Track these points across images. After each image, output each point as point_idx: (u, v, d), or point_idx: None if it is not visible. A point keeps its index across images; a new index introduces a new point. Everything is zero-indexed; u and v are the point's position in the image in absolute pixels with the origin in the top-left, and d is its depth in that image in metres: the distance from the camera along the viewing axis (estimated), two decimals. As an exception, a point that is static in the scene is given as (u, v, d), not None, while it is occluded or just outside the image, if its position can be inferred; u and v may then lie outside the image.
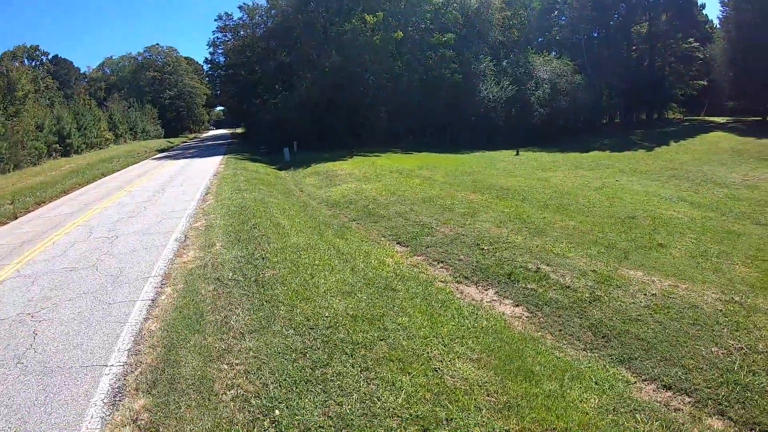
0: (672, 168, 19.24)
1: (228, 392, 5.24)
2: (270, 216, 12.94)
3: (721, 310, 6.71)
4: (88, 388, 5.48)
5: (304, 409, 4.92)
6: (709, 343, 6.03)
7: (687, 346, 6.01)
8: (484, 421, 4.80)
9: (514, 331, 6.87)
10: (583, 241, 9.98)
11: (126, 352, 6.20)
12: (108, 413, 5.06)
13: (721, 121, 36.54)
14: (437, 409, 4.93)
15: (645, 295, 7.31)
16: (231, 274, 8.52)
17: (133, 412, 5.01)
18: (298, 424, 4.73)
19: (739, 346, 5.96)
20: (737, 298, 7.02)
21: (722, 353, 5.86)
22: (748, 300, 6.97)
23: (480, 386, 5.34)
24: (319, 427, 4.69)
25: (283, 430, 4.68)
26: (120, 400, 5.24)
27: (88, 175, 25.10)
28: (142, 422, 4.86)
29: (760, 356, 5.77)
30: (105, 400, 5.26)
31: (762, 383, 5.35)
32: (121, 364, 5.93)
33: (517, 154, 28.15)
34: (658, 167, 19.65)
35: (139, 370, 5.76)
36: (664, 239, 9.83)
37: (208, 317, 6.94)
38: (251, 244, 10.18)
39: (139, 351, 6.19)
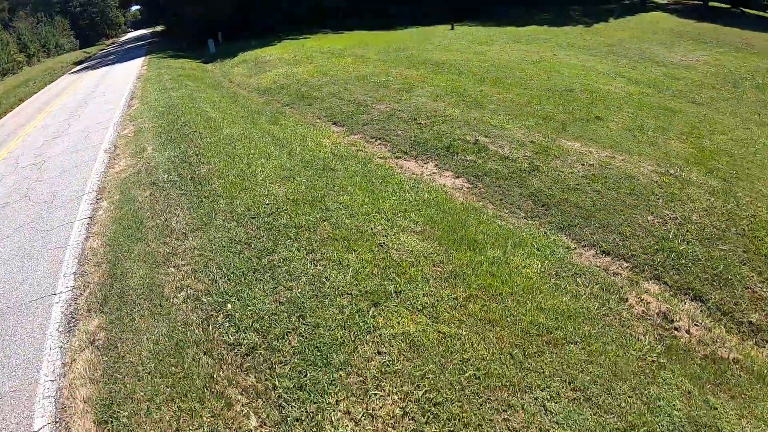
0: (610, 44, 19.13)
1: (178, 295, 5.19)
2: (200, 111, 12.45)
3: (656, 182, 6.86)
4: (41, 321, 5.35)
5: (255, 299, 4.90)
6: (645, 213, 6.18)
7: (624, 215, 6.14)
8: (431, 291, 4.86)
9: (455, 202, 6.82)
10: (520, 113, 9.85)
11: (72, 276, 6.04)
12: (65, 341, 4.96)
13: (662, 2, 36.45)
14: (385, 283, 4.97)
15: (583, 165, 7.35)
16: (166, 176, 8.24)
17: (89, 334, 4.91)
18: (251, 314, 4.72)
19: (674, 216, 6.13)
20: (672, 171, 7.18)
21: (658, 222, 6.03)
22: (683, 173, 7.15)
23: (425, 257, 5.37)
24: (272, 314, 4.67)
25: (237, 322, 4.66)
26: (75, 325, 5.14)
27: (5, 105, 22.69)
28: (100, 342, 4.77)
29: (693, 226, 5.99)
30: (60, 329, 5.15)
31: (695, 251, 5.58)
32: (69, 288, 5.78)
33: (453, 28, 27.08)
34: (596, 43, 19.47)
35: (88, 290, 5.62)
36: (601, 112, 9.84)
37: (149, 223, 6.75)
38: (183, 143, 9.84)
39: (85, 272, 6.03)
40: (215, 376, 4.21)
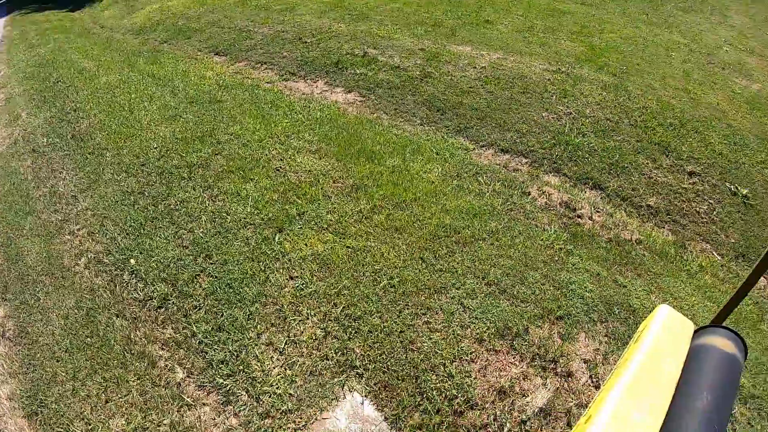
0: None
1: (79, 262, 4.66)
2: (72, 64, 11.03)
3: (549, 80, 6.75)
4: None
5: (157, 248, 4.50)
6: (540, 110, 6.06)
7: (519, 113, 6.00)
8: (335, 208, 4.58)
9: (349, 116, 6.42)
10: (409, 22, 9.42)
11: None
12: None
13: None
14: (287, 207, 4.65)
15: (475, 68, 7.11)
16: (45, 140, 7.25)
17: (-2, 326, 4.22)
18: (157, 265, 4.33)
19: (568, 111, 6.06)
20: (564, 69, 7.10)
21: (553, 118, 5.93)
22: (574, 70, 7.08)
23: (325, 175, 5.03)
24: (178, 260, 4.31)
25: (143, 276, 4.27)
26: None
27: None
28: (10, 332, 4.22)
29: (587, 120, 5.96)
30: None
31: (591, 143, 5.55)
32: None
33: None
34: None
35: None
36: (490, 16, 9.60)
37: (35, 194, 5.96)
38: (59, 100, 8.69)
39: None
40: (132, 336, 3.86)
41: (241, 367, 3.41)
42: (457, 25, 9.13)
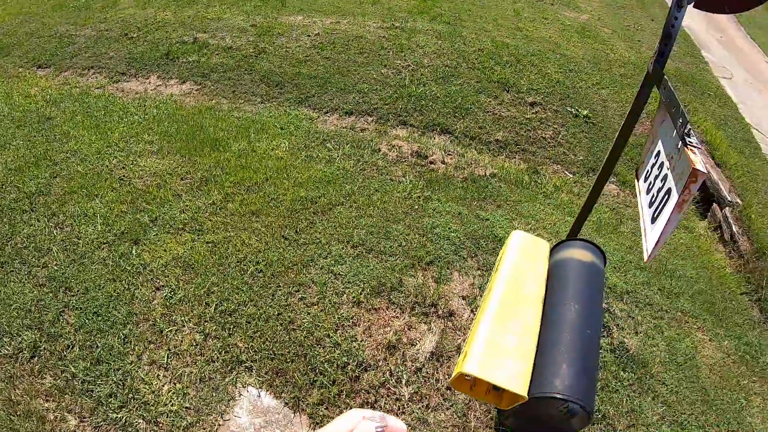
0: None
1: None
2: None
3: (384, 37, 6.69)
4: None
5: (14, 294, 3.91)
6: (379, 67, 5.99)
7: (359, 74, 5.90)
8: (187, 205, 4.25)
9: (187, 108, 5.99)
10: (236, 0, 8.98)
11: None
12: None
13: None
14: (139, 216, 4.23)
15: (309, 36, 6.89)
16: None
17: None
18: (18, 312, 3.80)
19: (407, 64, 6.04)
20: (398, 24, 7.07)
21: (392, 73, 5.89)
22: (408, 24, 7.08)
23: (171, 174, 4.66)
24: (38, 301, 3.78)
25: (7, 329, 3.73)
26: None
27: None
28: None
29: (426, 69, 5.97)
30: None
31: (432, 91, 5.57)
32: None
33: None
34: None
35: None
36: (318, -17, 9.37)
37: None
38: None
39: None
40: (13, 397, 3.30)
41: (130, 395, 3.08)
42: (287, -4, 8.85)
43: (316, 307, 3.36)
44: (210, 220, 4.08)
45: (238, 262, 3.68)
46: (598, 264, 2.60)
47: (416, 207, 4.15)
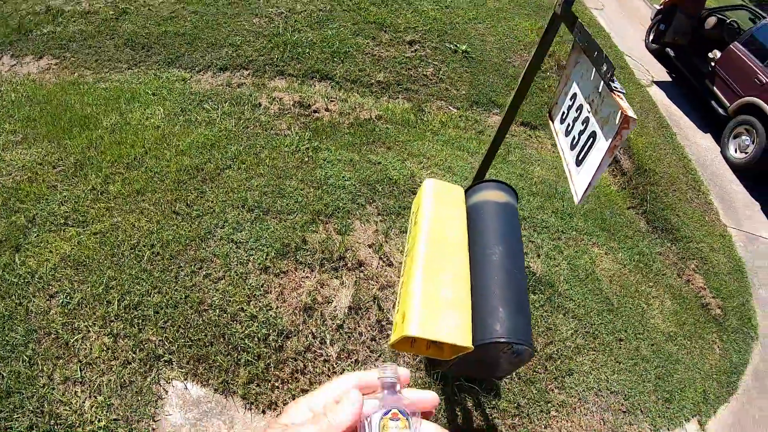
0: None
1: None
2: None
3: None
4: None
5: None
6: (250, 17, 5.75)
7: (230, 26, 5.64)
8: (65, 197, 3.91)
9: (48, 87, 5.47)
10: (88, -38, 8.23)
11: None
12: None
13: None
14: (14, 218, 3.70)
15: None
16: None
17: None
18: None
19: (279, 11, 5.84)
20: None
21: (265, 22, 5.68)
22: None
23: (42, 164, 4.23)
24: None
25: None
26: None
27: None
28: None
29: (300, 15, 5.79)
30: None
31: (308, 37, 5.44)
32: None
33: None
34: None
35: None
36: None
37: None
38: None
39: None
40: None
41: (52, 422, 2.80)
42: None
43: (223, 281, 3.24)
44: (93, 209, 3.77)
45: (131, 249, 3.43)
46: (512, 203, 2.64)
47: (306, 159, 4.10)
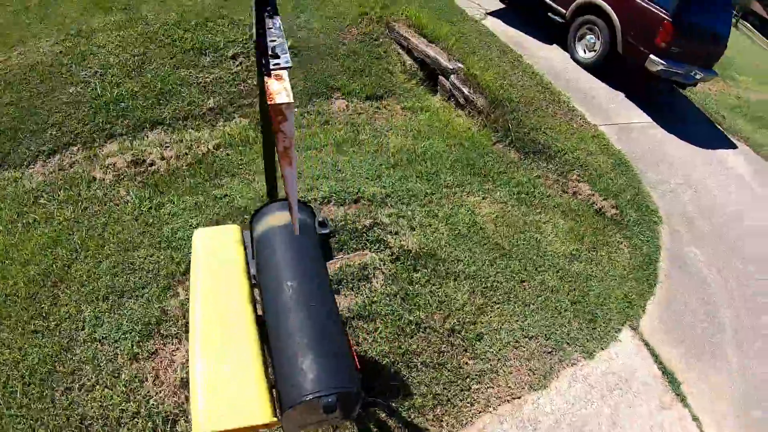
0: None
1: None
2: None
3: (61, 52, 6.03)
4: None
5: None
6: (66, 87, 5.54)
7: (47, 105, 5.38)
8: None
9: None
10: None
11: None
12: None
13: None
14: None
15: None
16: None
17: None
18: None
19: (94, 71, 5.63)
20: (72, 32, 6.40)
21: (81, 88, 5.49)
22: (83, 27, 6.43)
23: None
24: None
25: None
26: None
27: None
28: None
29: (115, 68, 5.65)
30: None
31: (128, 88, 5.31)
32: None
33: None
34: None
35: None
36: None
37: None
38: None
39: None
40: None
41: None
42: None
43: (98, 386, 3.16)
44: None
45: (3, 388, 3.25)
46: (303, 219, 2.33)
47: (150, 221, 4.06)
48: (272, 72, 1.53)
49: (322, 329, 1.97)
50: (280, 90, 1.42)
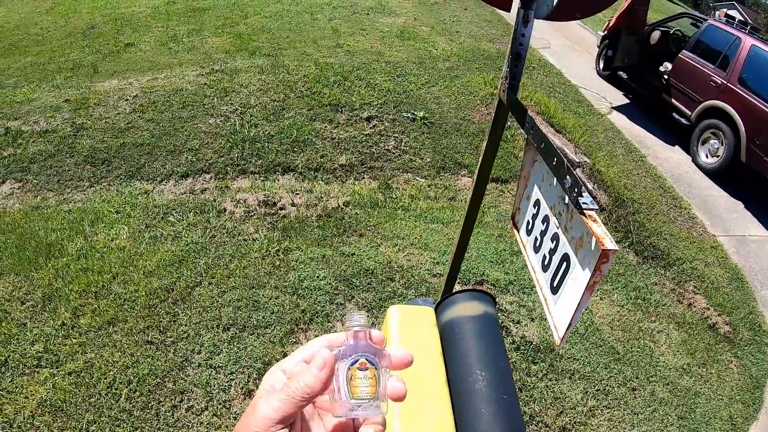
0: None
1: None
2: None
3: (205, 84, 6.46)
4: None
5: None
6: (206, 117, 5.78)
7: (186, 130, 5.64)
8: (36, 336, 3.77)
9: (13, 213, 5.38)
10: (45, 75, 8.25)
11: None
12: None
13: None
14: None
15: (127, 100, 6.48)
16: None
17: None
18: None
19: (234, 108, 5.88)
20: (217, 67, 6.86)
21: (221, 121, 5.71)
22: (228, 65, 6.89)
23: (10, 299, 4.11)
24: None
25: None
26: None
27: None
28: None
29: (254, 109, 5.86)
30: None
31: (266, 130, 5.51)
32: None
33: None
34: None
35: None
36: (130, 38, 8.86)
37: None
38: None
39: None
40: None
41: None
42: (98, 60, 8.26)
43: (206, 412, 3.11)
44: (65, 346, 3.63)
45: (108, 387, 3.28)
46: (490, 312, 2.33)
47: (278, 263, 4.04)
48: (585, 212, 1.50)
49: (511, 419, 1.91)
50: (603, 235, 1.41)
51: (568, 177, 1.56)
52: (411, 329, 2.22)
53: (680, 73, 8.58)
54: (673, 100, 8.69)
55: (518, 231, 2.19)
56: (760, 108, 7.27)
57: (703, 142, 8.18)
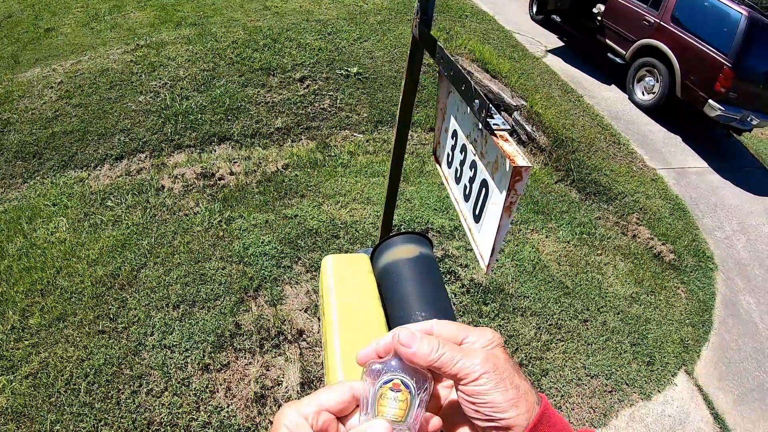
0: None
1: None
2: None
3: (132, 61, 6.25)
4: None
5: None
6: (135, 96, 5.63)
7: (116, 111, 5.49)
8: None
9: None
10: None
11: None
12: None
13: None
14: None
15: (52, 88, 6.24)
16: None
17: None
18: None
19: (163, 83, 5.73)
20: (142, 42, 6.61)
21: (151, 98, 5.58)
22: (153, 39, 6.66)
23: None
24: None
25: None
26: None
27: None
28: None
29: (185, 81, 5.72)
30: None
31: (198, 101, 5.35)
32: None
33: None
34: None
35: None
36: (50, 22, 8.44)
37: None
38: None
39: None
40: None
41: None
42: (18, 50, 7.89)
43: (166, 393, 3.13)
44: (18, 349, 3.56)
45: (66, 384, 3.24)
46: (426, 252, 2.26)
47: (221, 234, 4.04)
48: (497, 132, 1.47)
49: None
50: (514, 152, 1.38)
51: (476, 100, 1.55)
52: (346, 277, 2.20)
53: (613, 14, 8.68)
54: (608, 41, 8.82)
55: (440, 165, 2.20)
56: (693, 44, 7.49)
57: (639, 80, 8.37)
